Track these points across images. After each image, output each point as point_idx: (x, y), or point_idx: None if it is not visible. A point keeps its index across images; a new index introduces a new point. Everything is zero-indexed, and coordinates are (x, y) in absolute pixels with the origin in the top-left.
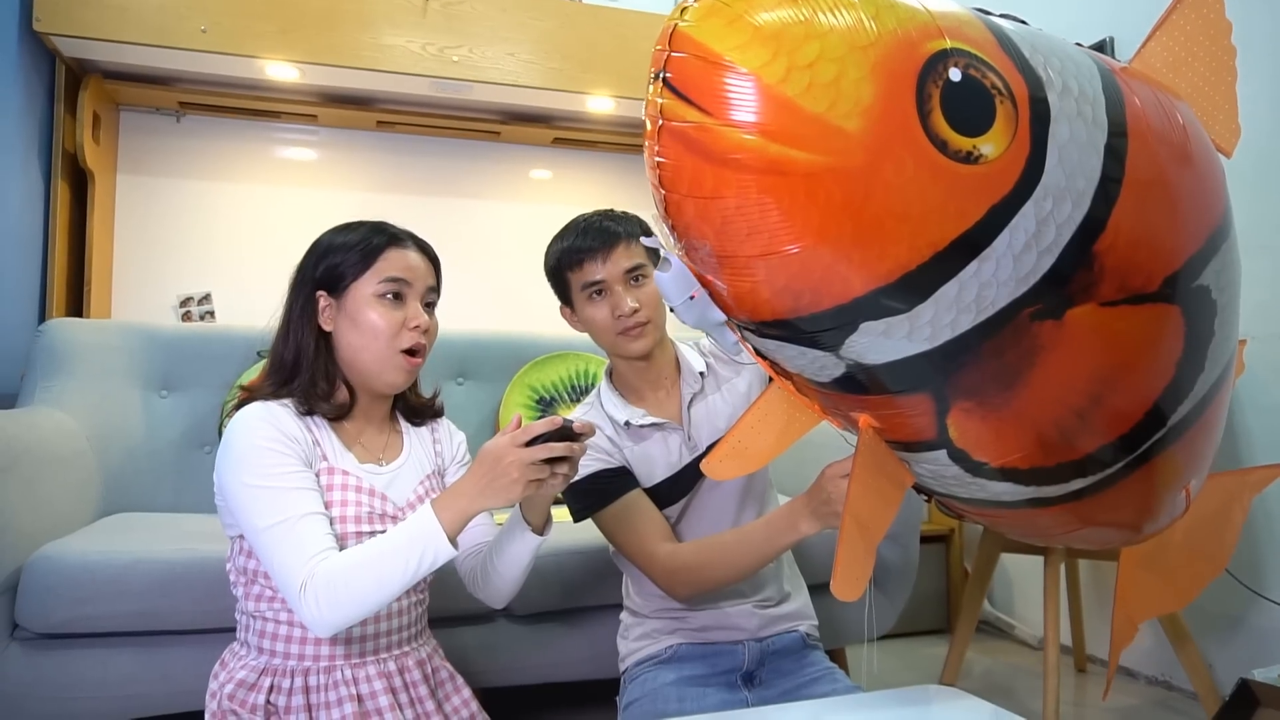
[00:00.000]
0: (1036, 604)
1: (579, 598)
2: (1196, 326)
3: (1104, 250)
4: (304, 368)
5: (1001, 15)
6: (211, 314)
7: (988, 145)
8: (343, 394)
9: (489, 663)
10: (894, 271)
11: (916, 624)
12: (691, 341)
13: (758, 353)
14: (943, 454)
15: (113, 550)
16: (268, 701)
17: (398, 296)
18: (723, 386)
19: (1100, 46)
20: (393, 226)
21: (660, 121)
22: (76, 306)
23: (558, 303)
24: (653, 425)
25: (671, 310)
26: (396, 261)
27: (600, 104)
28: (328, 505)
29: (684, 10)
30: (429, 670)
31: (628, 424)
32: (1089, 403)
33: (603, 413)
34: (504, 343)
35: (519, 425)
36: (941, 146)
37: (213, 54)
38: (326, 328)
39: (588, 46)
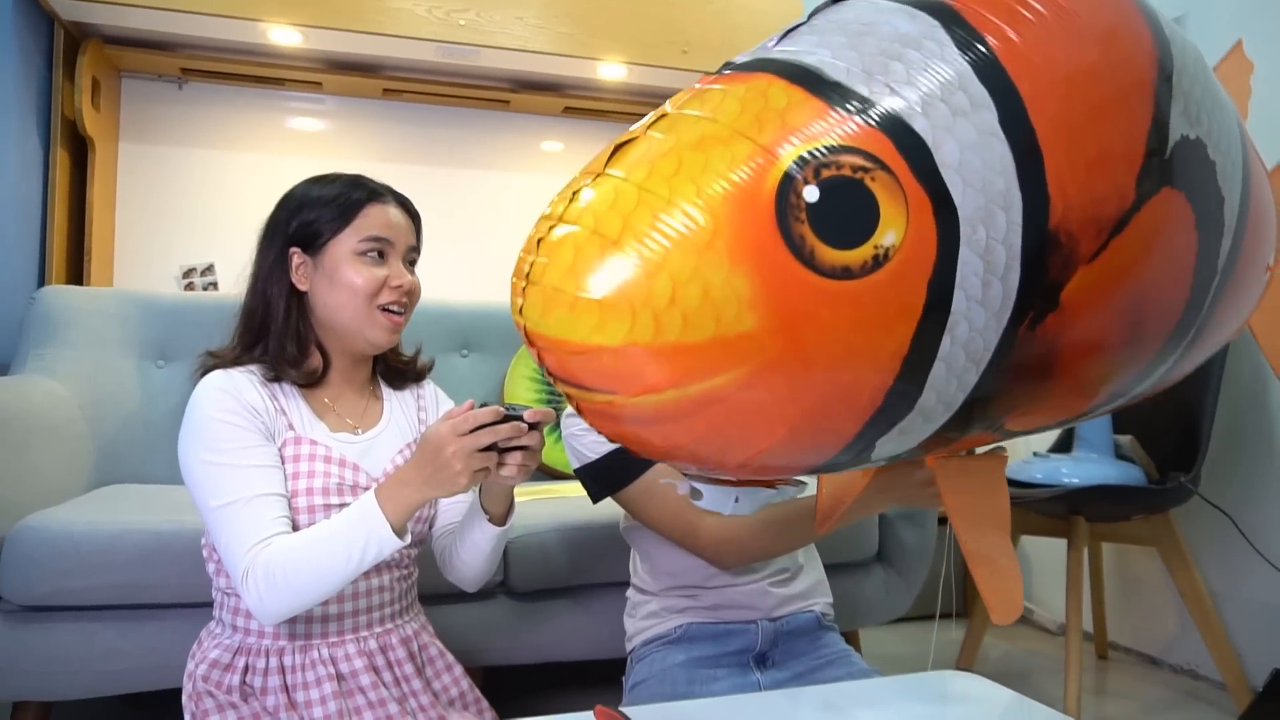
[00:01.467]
0: (1056, 589)
1: (584, 574)
2: (1197, 181)
3: (1061, 218)
4: (273, 329)
5: (784, 34)
6: (215, 285)
7: (887, 235)
8: (315, 359)
9: (489, 641)
10: (875, 398)
11: (934, 607)
12: None
13: None
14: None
15: (98, 521)
16: (243, 682)
17: (380, 255)
18: None
19: None
20: (371, 180)
21: (576, 405)
22: (77, 275)
23: None
24: None
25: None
26: (377, 218)
27: (612, 71)
28: (294, 477)
29: (520, 309)
30: (415, 648)
31: None
32: (1130, 331)
33: None
34: (509, 315)
35: (471, 409)
36: (846, 274)
37: (214, 17)
38: (301, 286)
39: (598, 10)
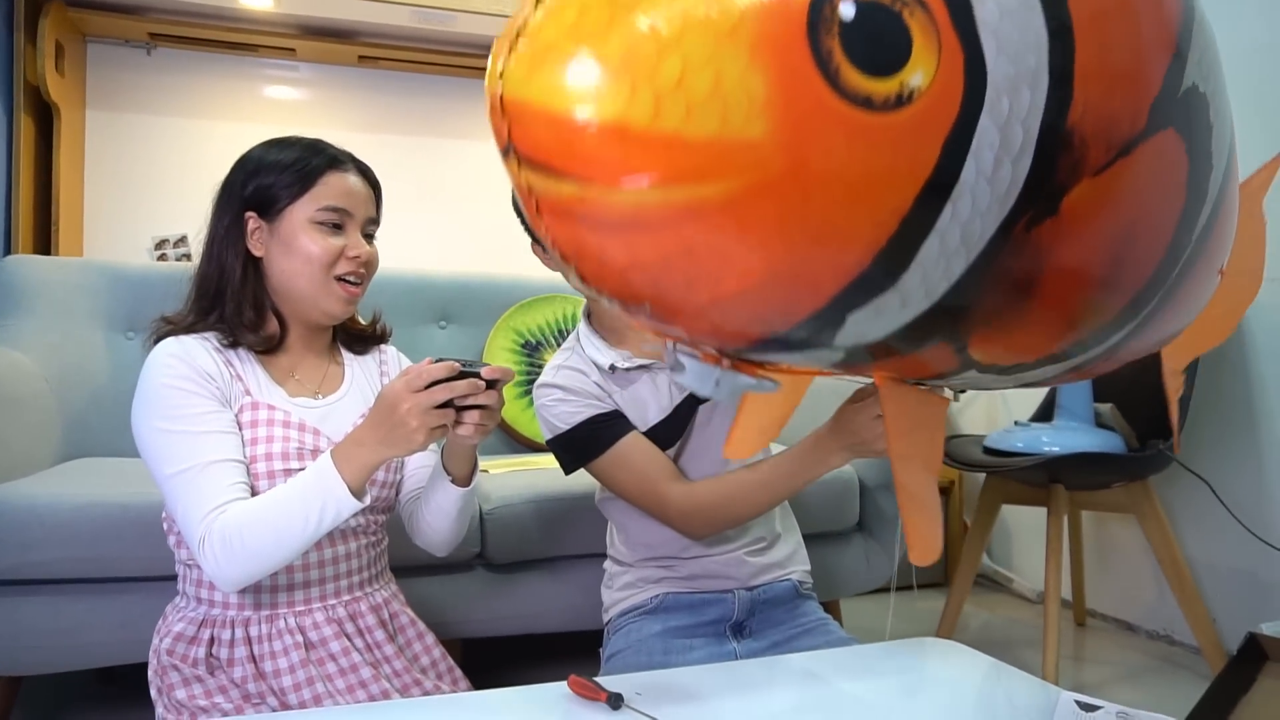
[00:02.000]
0: (1035, 557)
1: (560, 546)
2: (1196, 136)
3: (1079, 118)
4: (229, 294)
5: None
6: (188, 256)
7: (915, 75)
8: (272, 324)
9: (465, 613)
10: (864, 257)
11: (911, 577)
12: None
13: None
14: (972, 373)
15: (63, 494)
16: (209, 654)
17: (337, 226)
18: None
19: None
20: (331, 146)
21: (535, 202)
22: (45, 246)
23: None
24: (639, 367)
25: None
26: (336, 186)
27: None
28: (253, 442)
29: (501, 72)
30: (385, 616)
31: (613, 368)
32: (1111, 270)
33: (585, 357)
34: (488, 285)
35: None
36: (866, 103)
37: None
38: (256, 252)
39: None
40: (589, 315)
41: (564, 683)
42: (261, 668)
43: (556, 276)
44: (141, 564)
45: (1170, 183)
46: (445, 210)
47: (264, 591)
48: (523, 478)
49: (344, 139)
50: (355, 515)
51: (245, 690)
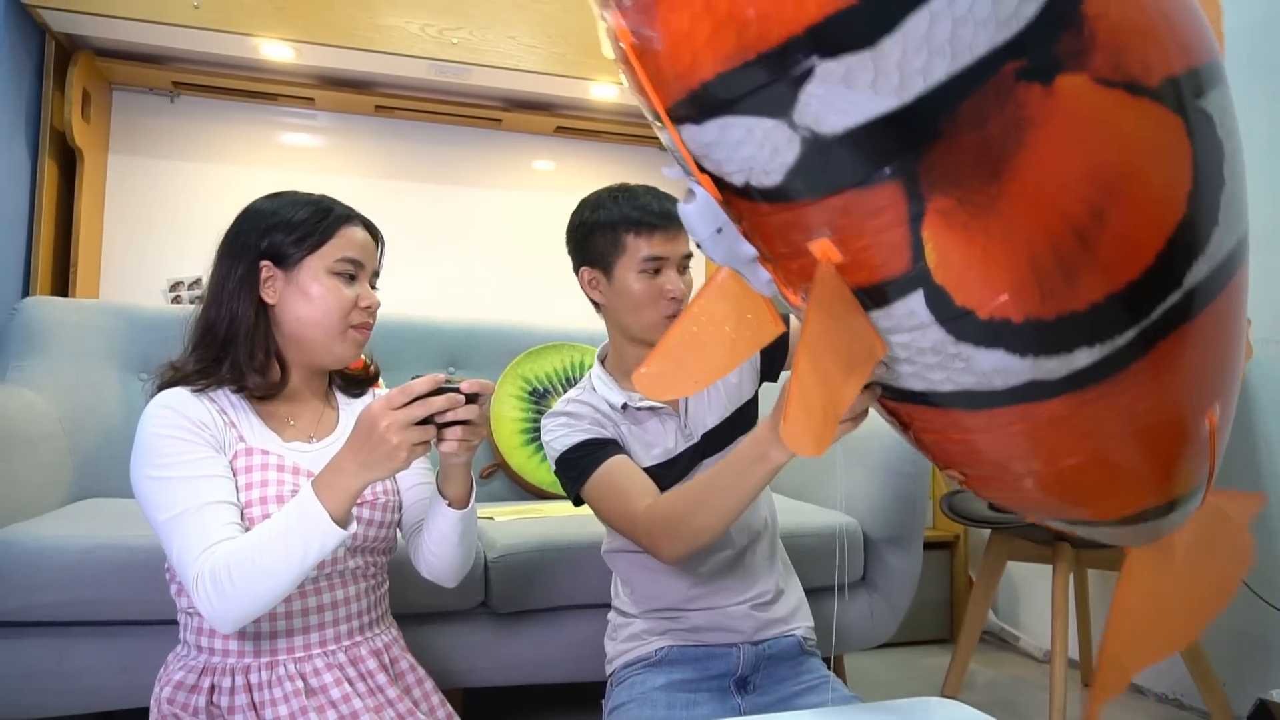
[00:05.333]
0: (1042, 615)
1: (565, 595)
2: (1205, 159)
3: (1094, 15)
4: (240, 339)
5: None
6: (202, 299)
7: None
8: (275, 370)
9: (470, 661)
10: None
11: (919, 633)
12: None
13: (702, 169)
14: (919, 301)
15: (71, 536)
16: (210, 703)
17: (351, 277)
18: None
19: None
20: (341, 203)
21: None
22: (63, 287)
23: (556, 287)
24: (650, 409)
25: (698, 247)
26: (351, 239)
27: (604, 91)
28: (247, 487)
29: None
30: (386, 660)
31: (625, 406)
32: (1090, 217)
33: (596, 395)
34: (498, 333)
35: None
36: None
37: (206, 31)
38: (269, 300)
39: (591, 31)
40: (604, 359)
41: None
42: (262, 715)
43: (565, 325)
44: (146, 608)
45: (1170, 176)
46: (456, 257)
47: (264, 638)
48: (528, 525)
49: (360, 185)
50: (354, 558)
51: None
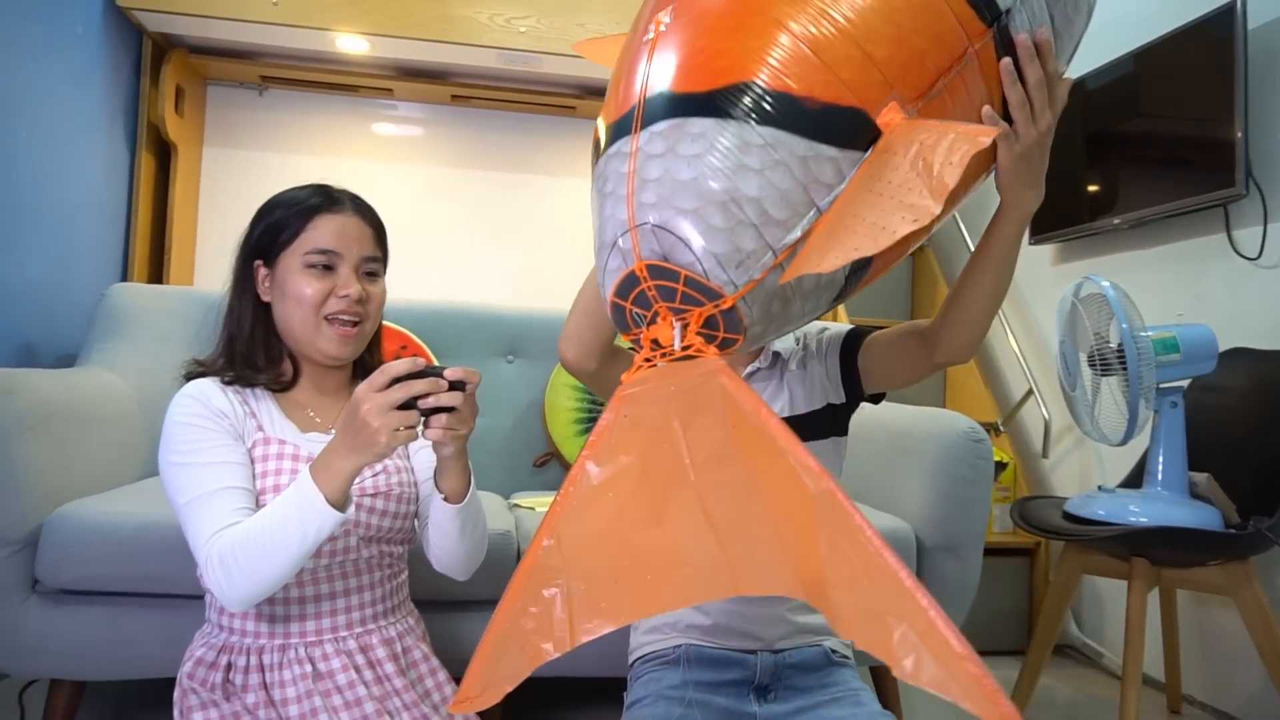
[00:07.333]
0: None
1: None
2: None
3: None
4: (240, 339)
5: None
6: None
7: None
8: (285, 366)
9: None
10: None
11: (991, 643)
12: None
13: None
14: None
15: (125, 512)
16: (226, 680)
17: (327, 268)
18: (785, 377)
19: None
20: (333, 189)
21: None
22: (158, 275)
23: None
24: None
25: None
26: (325, 229)
27: None
28: (263, 475)
29: None
30: (398, 650)
31: None
32: None
33: None
34: (556, 321)
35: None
36: None
37: (286, 27)
38: (265, 298)
39: None
40: None
41: None
42: (271, 695)
43: None
44: (193, 584)
45: None
46: (527, 245)
47: (278, 621)
48: None
49: (438, 174)
50: (368, 548)
51: (256, 717)
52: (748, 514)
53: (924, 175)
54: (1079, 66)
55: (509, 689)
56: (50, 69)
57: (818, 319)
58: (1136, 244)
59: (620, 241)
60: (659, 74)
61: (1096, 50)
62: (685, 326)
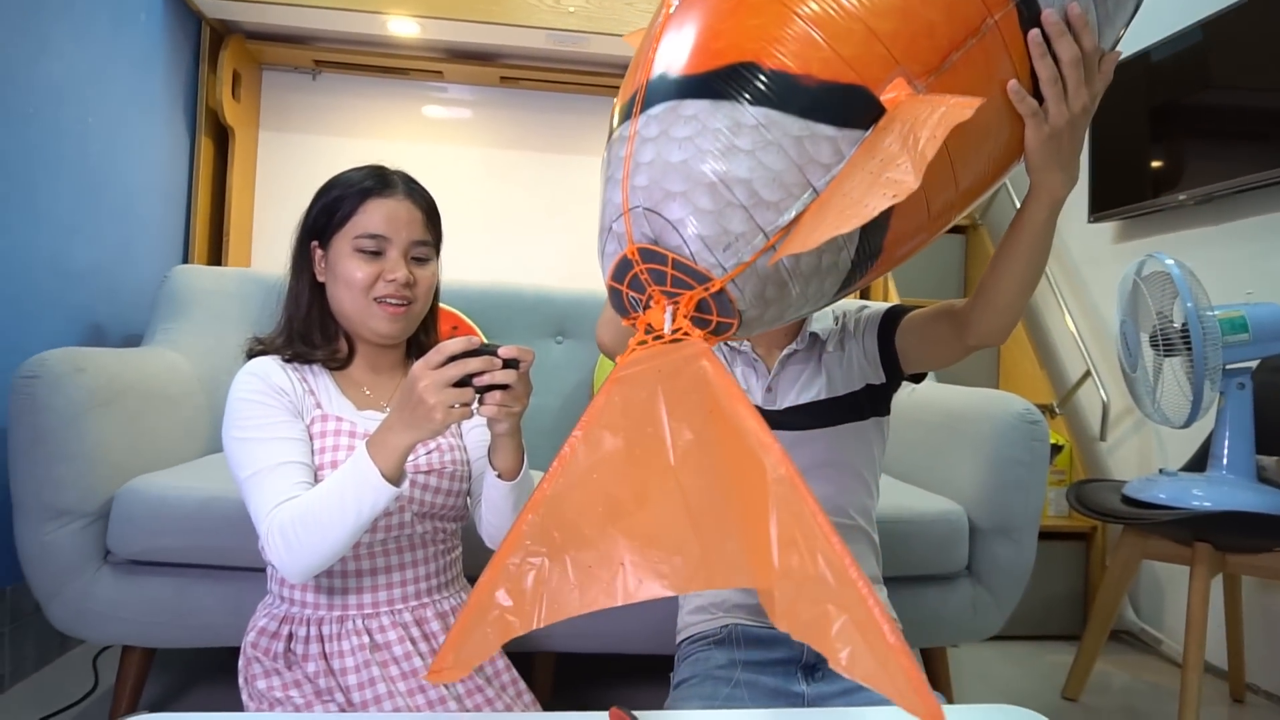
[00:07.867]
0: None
1: None
2: None
3: None
4: (298, 318)
5: None
6: None
7: None
8: (341, 345)
9: (551, 628)
10: None
11: (1046, 628)
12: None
13: None
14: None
15: (192, 487)
16: (287, 649)
17: (375, 253)
18: (824, 359)
19: None
20: (388, 172)
21: None
22: (217, 256)
23: None
24: (747, 353)
25: None
26: (375, 214)
27: None
28: (321, 451)
29: None
30: (451, 624)
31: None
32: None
33: None
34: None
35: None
36: None
37: (339, 10)
38: (321, 279)
39: None
40: None
41: (606, 713)
42: (331, 665)
43: None
44: (254, 556)
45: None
46: (575, 228)
47: (336, 593)
48: None
49: (489, 155)
50: (422, 523)
51: (317, 685)
52: (722, 504)
53: (910, 149)
54: (1142, 38)
55: (477, 663)
56: (114, 55)
57: (826, 304)
58: (1202, 221)
59: (615, 225)
60: (663, 57)
61: (1162, 21)
62: (676, 310)
